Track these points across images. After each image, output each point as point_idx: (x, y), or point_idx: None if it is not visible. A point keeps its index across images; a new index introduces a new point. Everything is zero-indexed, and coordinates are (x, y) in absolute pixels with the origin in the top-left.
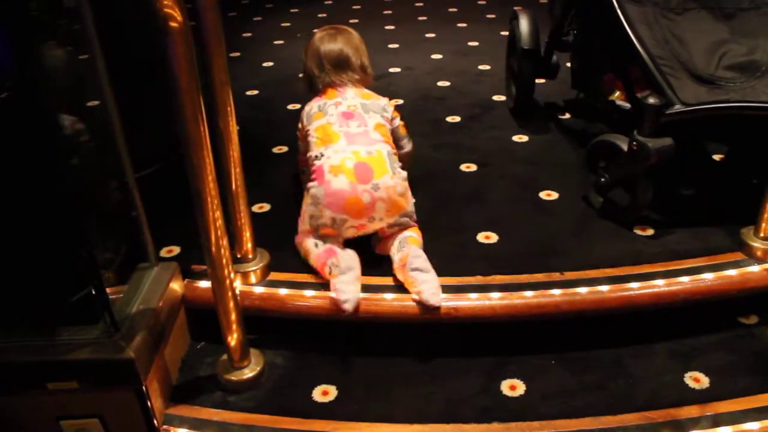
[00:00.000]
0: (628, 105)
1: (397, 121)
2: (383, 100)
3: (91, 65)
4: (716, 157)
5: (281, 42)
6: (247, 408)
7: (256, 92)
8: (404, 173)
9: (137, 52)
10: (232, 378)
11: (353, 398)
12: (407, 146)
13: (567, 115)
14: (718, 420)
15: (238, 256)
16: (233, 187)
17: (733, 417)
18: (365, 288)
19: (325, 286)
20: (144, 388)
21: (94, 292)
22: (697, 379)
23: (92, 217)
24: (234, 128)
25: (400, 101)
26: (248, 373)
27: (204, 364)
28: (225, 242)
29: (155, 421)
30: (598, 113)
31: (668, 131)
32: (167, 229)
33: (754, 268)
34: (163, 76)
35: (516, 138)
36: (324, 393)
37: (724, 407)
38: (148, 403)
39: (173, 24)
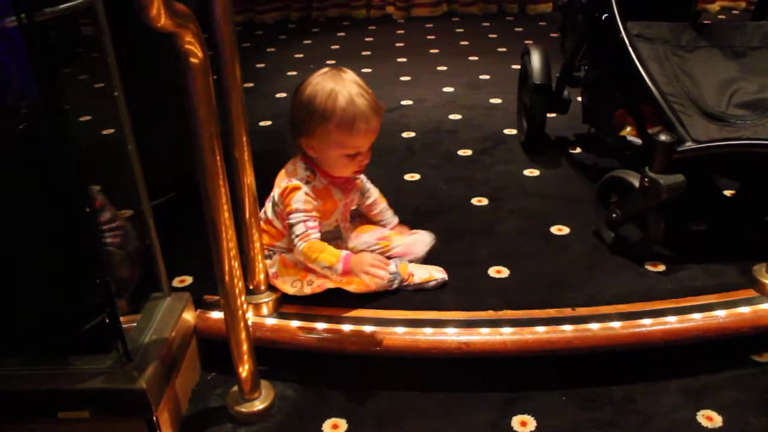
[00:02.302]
0: (639, 141)
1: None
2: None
3: (110, 93)
4: (727, 192)
5: (294, 73)
6: None
7: (269, 123)
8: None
9: (152, 80)
10: (243, 410)
11: None
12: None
13: (578, 150)
14: None
15: (251, 287)
16: (246, 217)
17: None
18: (375, 322)
19: (335, 319)
20: (155, 418)
21: (107, 321)
22: (709, 418)
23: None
24: (249, 159)
25: (412, 134)
26: (259, 405)
27: (214, 395)
28: (238, 273)
29: None
30: (609, 148)
31: (679, 168)
32: (181, 259)
33: (767, 306)
34: (179, 104)
35: (527, 172)
36: (334, 426)
37: None
38: None
39: (194, 60)
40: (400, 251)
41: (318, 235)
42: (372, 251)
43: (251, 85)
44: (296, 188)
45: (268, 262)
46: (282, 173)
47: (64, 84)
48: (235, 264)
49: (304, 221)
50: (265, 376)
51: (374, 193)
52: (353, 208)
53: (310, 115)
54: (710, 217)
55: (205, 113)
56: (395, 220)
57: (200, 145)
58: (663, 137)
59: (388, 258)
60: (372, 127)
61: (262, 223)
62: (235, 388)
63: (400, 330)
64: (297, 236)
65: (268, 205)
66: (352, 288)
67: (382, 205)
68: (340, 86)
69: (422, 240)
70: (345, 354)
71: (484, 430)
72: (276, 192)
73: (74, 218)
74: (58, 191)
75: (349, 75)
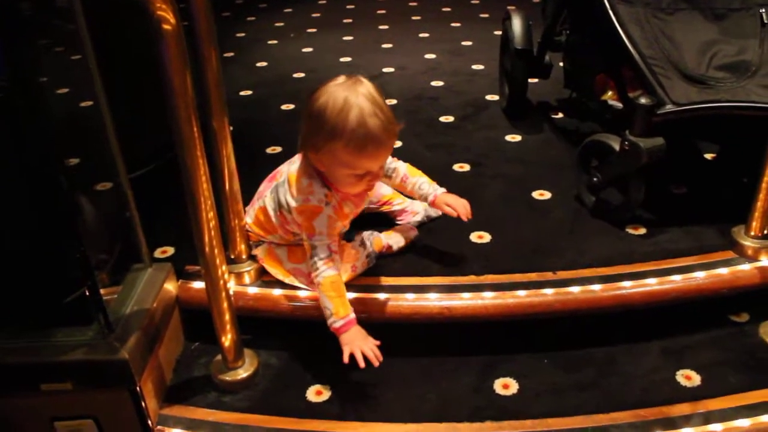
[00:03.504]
0: (620, 105)
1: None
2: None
3: (84, 65)
4: (708, 156)
5: (275, 42)
6: (241, 408)
7: (249, 92)
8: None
9: (129, 53)
10: (227, 378)
11: (347, 398)
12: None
13: (560, 115)
14: (710, 417)
15: (232, 256)
16: (227, 187)
17: (724, 414)
18: (358, 288)
19: None
20: (138, 388)
21: (88, 294)
22: (688, 377)
23: (86, 218)
24: (227, 129)
25: (394, 101)
26: (242, 374)
27: (198, 365)
28: (218, 243)
29: (149, 422)
30: (590, 113)
31: (660, 131)
32: (161, 230)
33: (745, 267)
34: (156, 76)
35: (509, 137)
36: (318, 393)
37: (716, 405)
38: (143, 404)
39: (166, 26)
40: (399, 209)
41: (338, 264)
42: (375, 211)
43: (231, 54)
44: (318, 210)
45: (257, 250)
46: (293, 180)
47: (40, 56)
48: (215, 234)
49: (328, 244)
50: (248, 344)
51: (401, 170)
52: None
53: (318, 131)
54: (691, 180)
55: (180, 82)
56: (438, 190)
57: (176, 115)
58: (643, 100)
59: (391, 215)
60: (384, 150)
61: (255, 209)
62: (219, 357)
63: (382, 296)
64: (321, 259)
65: (268, 198)
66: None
67: (415, 179)
68: (353, 101)
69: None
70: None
71: (467, 393)
72: (286, 197)
73: (50, 192)
74: (33, 165)
75: (365, 87)
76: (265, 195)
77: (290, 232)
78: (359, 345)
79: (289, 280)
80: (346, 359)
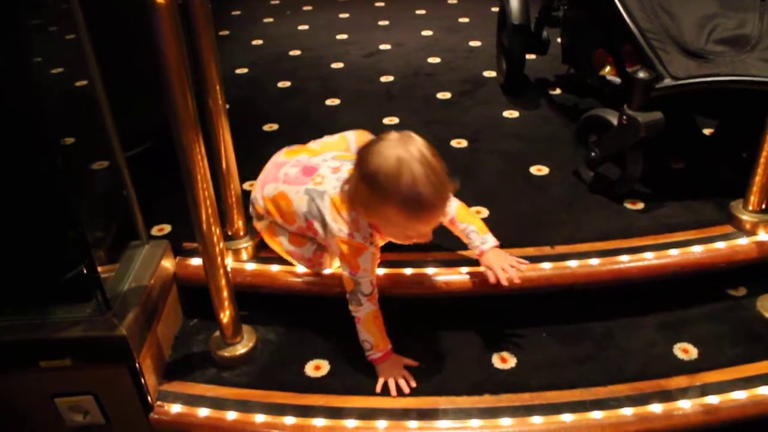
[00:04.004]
0: (618, 80)
1: None
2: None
3: (78, 44)
4: (706, 131)
5: (271, 20)
6: (240, 383)
7: (245, 70)
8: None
9: (124, 30)
10: (225, 354)
11: (346, 372)
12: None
13: (558, 91)
14: (706, 390)
15: (229, 233)
16: (223, 165)
17: (720, 387)
18: None
19: None
20: (137, 365)
21: (85, 271)
22: (686, 350)
23: (83, 197)
24: (223, 106)
25: (391, 78)
26: (241, 349)
27: (197, 341)
28: (215, 220)
29: (149, 398)
30: (588, 88)
31: (658, 105)
32: (158, 208)
33: (743, 241)
34: (152, 53)
35: (506, 114)
36: (316, 368)
37: (712, 377)
38: (142, 380)
39: (159, 0)
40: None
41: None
42: None
43: (227, 33)
44: (363, 249)
45: (258, 223)
46: (337, 205)
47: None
48: (212, 211)
49: (371, 280)
50: (246, 320)
51: (450, 211)
52: None
53: (370, 194)
54: (689, 155)
55: (174, 58)
56: (486, 244)
57: (171, 92)
58: (641, 74)
59: None
60: (437, 214)
61: (276, 191)
62: (217, 333)
63: (380, 270)
64: (365, 295)
65: (298, 196)
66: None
67: (464, 225)
68: (406, 165)
69: None
70: (326, 296)
71: (465, 366)
72: (331, 221)
73: (46, 172)
74: (28, 145)
75: (416, 147)
76: (295, 189)
77: (306, 234)
78: (393, 374)
79: (287, 257)
80: (379, 389)
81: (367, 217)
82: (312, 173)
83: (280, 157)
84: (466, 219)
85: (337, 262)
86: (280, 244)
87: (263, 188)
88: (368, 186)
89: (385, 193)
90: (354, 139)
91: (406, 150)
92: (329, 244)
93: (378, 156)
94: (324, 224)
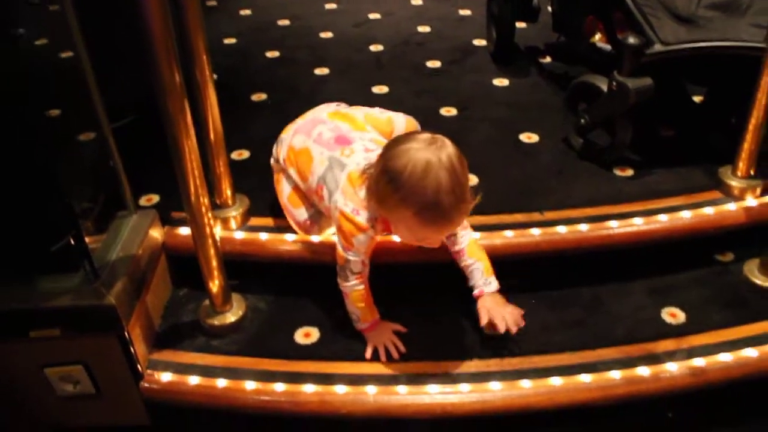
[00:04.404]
0: (608, 47)
1: None
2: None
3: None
4: (696, 99)
5: None
6: (230, 351)
7: (233, 41)
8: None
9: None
10: (215, 322)
11: (336, 339)
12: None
13: (548, 59)
14: (693, 353)
15: (218, 202)
16: (211, 134)
17: (707, 350)
18: None
19: None
20: (126, 334)
21: (73, 241)
22: (673, 315)
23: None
24: (210, 76)
25: (380, 47)
26: (231, 318)
27: (186, 311)
28: (203, 190)
29: (139, 367)
30: (579, 56)
31: (648, 71)
32: (147, 178)
33: (731, 206)
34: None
35: (496, 82)
36: (306, 335)
37: (699, 341)
38: (132, 349)
39: None
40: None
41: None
42: None
43: (214, 3)
44: (362, 229)
45: (275, 165)
46: (353, 180)
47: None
48: (200, 181)
49: (362, 260)
50: (236, 289)
51: (464, 240)
52: None
53: (391, 192)
54: (679, 122)
55: (160, 27)
56: (489, 287)
57: (157, 62)
58: (631, 40)
59: None
60: (452, 227)
61: (305, 145)
62: (207, 302)
63: None
64: (354, 273)
65: (321, 159)
66: None
67: (471, 261)
68: (433, 172)
69: None
70: (316, 264)
71: (455, 333)
72: (338, 193)
73: (32, 144)
74: (13, 117)
75: (447, 155)
76: (320, 150)
77: (312, 196)
78: (382, 341)
79: (283, 207)
80: (368, 355)
81: (380, 211)
82: (344, 144)
83: (323, 113)
84: (474, 255)
85: (327, 232)
86: (281, 193)
87: (293, 136)
88: (389, 182)
89: (405, 194)
90: (401, 127)
91: (436, 155)
92: (331, 214)
93: (406, 155)
94: (332, 193)
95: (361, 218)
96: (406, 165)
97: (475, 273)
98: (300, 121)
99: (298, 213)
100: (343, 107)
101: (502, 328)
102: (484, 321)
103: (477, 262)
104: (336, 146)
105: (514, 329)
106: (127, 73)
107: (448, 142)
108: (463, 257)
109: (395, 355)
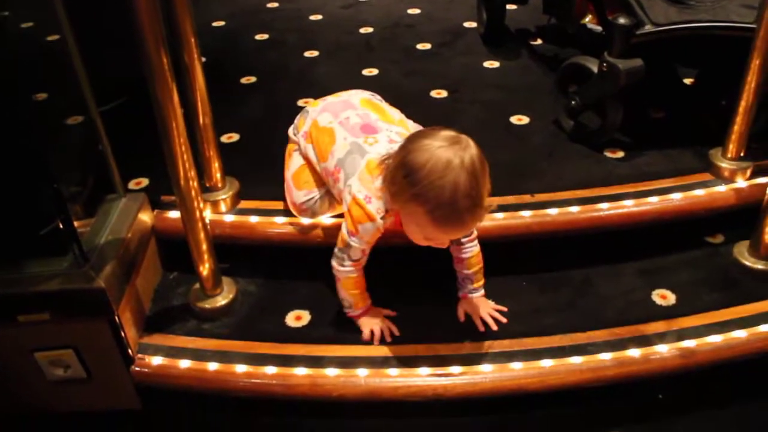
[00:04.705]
0: (599, 28)
1: None
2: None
3: None
4: (687, 81)
5: None
6: (221, 335)
7: (222, 23)
8: None
9: None
10: (206, 306)
11: (327, 322)
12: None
13: (538, 41)
14: (683, 334)
15: (208, 185)
16: (200, 117)
17: (697, 331)
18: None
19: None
20: (117, 317)
21: (61, 225)
22: (664, 296)
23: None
24: (199, 59)
25: (370, 29)
26: (221, 301)
27: (177, 294)
28: (193, 173)
29: (130, 351)
30: (569, 38)
31: (639, 53)
32: (136, 162)
33: (721, 188)
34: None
35: (487, 64)
36: (297, 318)
37: (689, 322)
38: (122, 333)
39: None
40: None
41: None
42: None
43: None
44: (371, 218)
45: (293, 136)
46: (371, 167)
47: None
48: (189, 164)
49: (363, 249)
50: (227, 273)
51: (468, 252)
52: None
53: (407, 187)
54: (669, 104)
55: (147, 10)
56: (475, 294)
57: (144, 44)
58: (622, 20)
59: None
60: (463, 230)
61: (329, 125)
62: (197, 285)
63: None
64: (352, 260)
65: (344, 145)
66: None
67: (468, 271)
68: (453, 173)
69: None
70: (307, 246)
71: (446, 315)
72: (353, 178)
73: (19, 127)
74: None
75: (469, 156)
76: (344, 135)
77: (327, 177)
78: (375, 324)
79: (285, 181)
80: (366, 336)
81: (393, 203)
82: (369, 132)
83: (356, 98)
84: (473, 268)
85: (319, 218)
86: (287, 167)
87: (321, 113)
88: (406, 176)
89: (421, 190)
90: None
91: (459, 156)
92: (343, 197)
93: (427, 151)
94: (348, 177)
95: (372, 207)
96: (427, 161)
97: (466, 282)
98: (331, 99)
99: (297, 194)
100: (376, 98)
101: (481, 328)
102: (461, 318)
103: (472, 272)
104: (361, 133)
105: (494, 327)
106: (118, 55)
107: (472, 144)
108: (462, 265)
109: (388, 339)
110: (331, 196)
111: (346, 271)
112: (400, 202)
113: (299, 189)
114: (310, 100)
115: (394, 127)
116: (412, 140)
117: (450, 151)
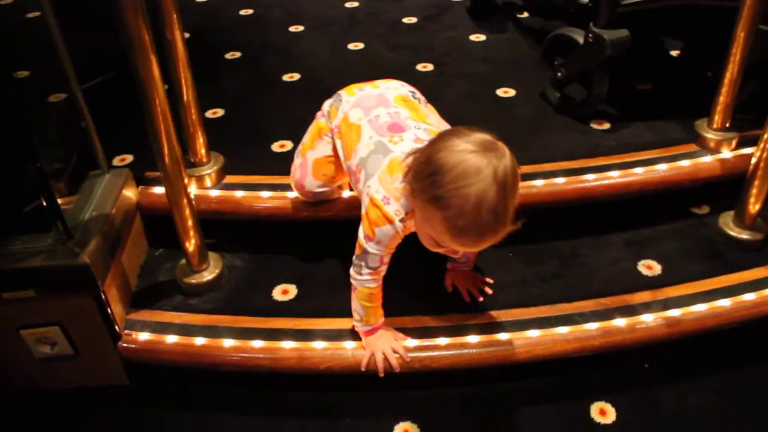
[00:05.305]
0: None
1: None
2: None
3: None
4: (673, 53)
5: None
6: (207, 310)
7: None
8: None
9: None
10: (192, 281)
11: (313, 296)
12: None
13: (524, 14)
14: (669, 304)
15: (192, 160)
16: (183, 93)
17: (682, 300)
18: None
19: (279, 186)
20: (102, 294)
21: (44, 201)
22: (649, 267)
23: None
24: (181, 34)
25: (356, 3)
26: (207, 276)
27: (163, 270)
28: (177, 149)
29: (117, 327)
30: (555, 11)
31: (625, 23)
32: (120, 138)
33: (707, 159)
34: None
35: (473, 37)
36: (284, 292)
37: (675, 292)
38: (108, 309)
39: None
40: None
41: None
42: None
43: None
44: (389, 221)
45: (322, 116)
46: (393, 166)
47: None
48: (173, 140)
49: (381, 256)
50: (213, 248)
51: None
52: None
53: (428, 187)
54: (656, 76)
55: None
56: (464, 266)
57: (125, 20)
58: None
59: None
60: (479, 246)
61: (352, 119)
62: (183, 261)
63: (346, 194)
64: (369, 268)
65: (369, 142)
66: None
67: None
68: (481, 182)
69: None
70: (292, 220)
71: (432, 287)
72: (373, 178)
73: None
74: None
75: (503, 166)
76: (369, 133)
77: (348, 175)
78: (380, 347)
79: (300, 160)
80: (363, 367)
81: (411, 201)
82: (396, 131)
83: (391, 92)
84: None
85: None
86: (313, 148)
87: (353, 107)
88: (429, 175)
89: (443, 194)
90: None
91: (492, 165)
92: (362, 198)
93: (458, 154)
94: (368, 177)
95: (390, 208)
96: (456, 165)
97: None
98: (368, 89)
99: (311, 182)
100: (416, 96)
101: (467, 299)
102: (449, 290)
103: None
104: (387, 132)
105: (481, 298)
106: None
107: (508, 153)
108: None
109: (396, 366)
110: (340, 191)
111: (363, 281)
112: (419, 201)
113: (316, 178)
114: (296, 75)
115: (422, 125)
116: (443, 137)
117: (484, 159)
